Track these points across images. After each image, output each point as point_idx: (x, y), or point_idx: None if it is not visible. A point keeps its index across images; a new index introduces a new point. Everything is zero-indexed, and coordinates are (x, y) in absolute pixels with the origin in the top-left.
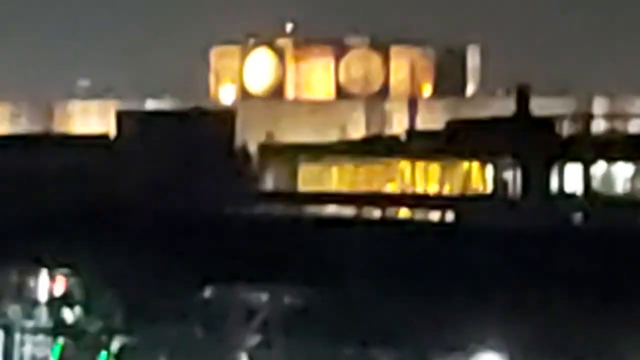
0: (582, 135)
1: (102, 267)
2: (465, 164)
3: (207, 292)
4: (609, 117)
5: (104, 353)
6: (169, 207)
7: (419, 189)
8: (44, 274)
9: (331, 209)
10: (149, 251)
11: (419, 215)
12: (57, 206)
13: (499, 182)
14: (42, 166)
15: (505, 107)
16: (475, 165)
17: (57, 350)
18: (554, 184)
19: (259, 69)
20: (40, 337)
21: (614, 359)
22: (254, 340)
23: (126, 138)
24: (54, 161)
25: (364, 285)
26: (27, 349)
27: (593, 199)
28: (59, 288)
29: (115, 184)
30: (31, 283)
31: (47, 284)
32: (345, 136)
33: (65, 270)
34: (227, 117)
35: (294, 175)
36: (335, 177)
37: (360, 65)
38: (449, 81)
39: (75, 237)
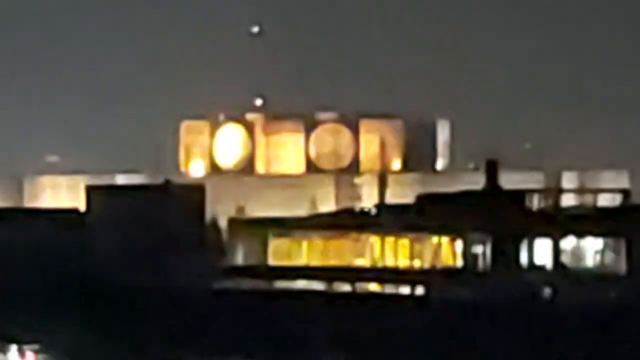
0: (551, 210)
1: (72, 342)
2: (435, 238)
3: None
4: (579, 191)
5: None
6: (138, 282)
7: (389, 264)
8: (13, 349)
9: (301, 284)
10: (118, 326)
11: (389, 289)
12: (26, 281)
13: (468, 256)
14: (12, 241)
15: (475, 181)
16: (445, 239)
17: None
18: (523, 258)
19: (228, 143)
20: None
21: None
22: None
23: (96, 212)
24: (23, 236)
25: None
26: None
27: (562, 272)
28: None
29: (85, 259)
30: (0, 359)
31: None
32: (315, 210)
33: (34, 345)
34: (197, 191)
35: (264, 249)
36: (305, 252)
37: (330, 139)
38: (419, 155)
39: (45, 312)
